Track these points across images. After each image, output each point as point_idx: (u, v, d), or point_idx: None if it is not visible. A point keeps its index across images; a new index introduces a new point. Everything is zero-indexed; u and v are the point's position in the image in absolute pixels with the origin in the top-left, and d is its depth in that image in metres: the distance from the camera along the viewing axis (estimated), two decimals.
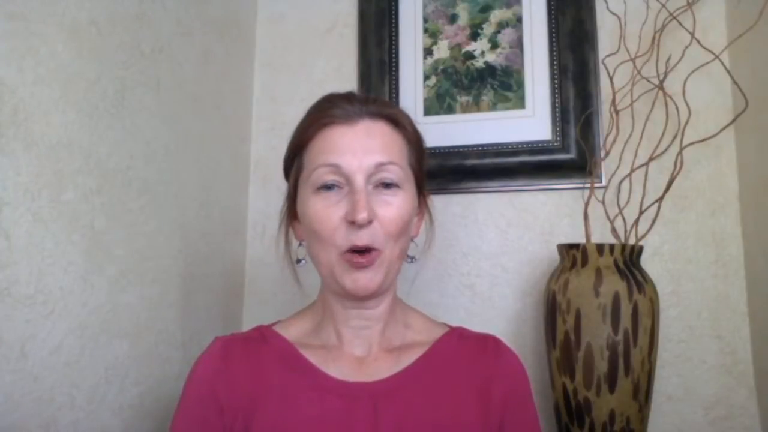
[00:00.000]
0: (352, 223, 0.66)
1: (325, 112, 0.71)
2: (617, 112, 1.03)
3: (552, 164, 1.11)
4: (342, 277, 0.69)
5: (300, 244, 0.77)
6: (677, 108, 1.01)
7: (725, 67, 1.00)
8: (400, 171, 0.70)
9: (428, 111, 1.20)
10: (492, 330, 0.85)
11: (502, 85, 1.17)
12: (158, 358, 0.94)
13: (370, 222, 0.67)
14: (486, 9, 1.21)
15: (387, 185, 0.69)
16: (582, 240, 1.04)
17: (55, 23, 0.74)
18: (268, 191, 1.26)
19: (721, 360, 1.02)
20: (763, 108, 0.96)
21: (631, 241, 0.99)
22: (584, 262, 0.91)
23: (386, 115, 0.72)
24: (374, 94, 1.20)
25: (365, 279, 0.68)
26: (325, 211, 0.68)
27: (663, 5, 1.04)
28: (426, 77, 1.21)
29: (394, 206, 0.69)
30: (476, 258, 1.15)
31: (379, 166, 0.69)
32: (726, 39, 1.07)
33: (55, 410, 0.73)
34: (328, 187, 0.69)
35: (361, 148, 0.69)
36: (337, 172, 0.68)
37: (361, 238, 0.67)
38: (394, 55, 1.23)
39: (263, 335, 0.76)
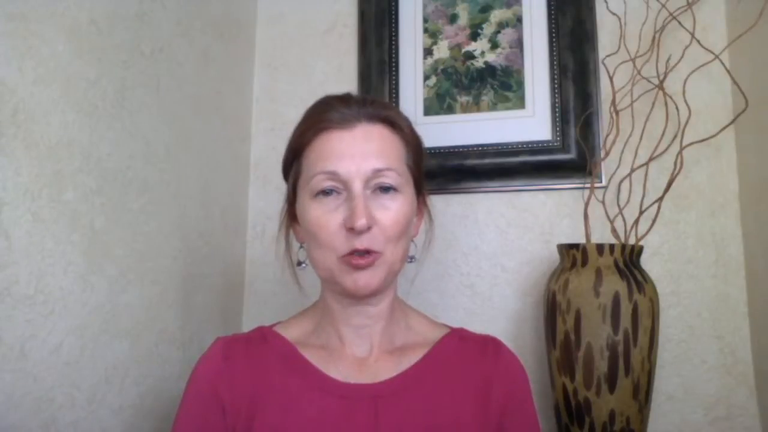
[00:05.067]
0: (351, 229, 0.66)
1: (322, 116, 0.71)
2: (617, 112, 1.03)
3: (552, 164, 1.11)
4: (342, 278, 0.69)
5: (301, 247, 0.77)
6: (677, 108, 1.01)
7: (725, 67, 1.00)
8: (397, 176, 0.70)
9: (428, 111, 1.20)
10: (492, 330, 0.85)
11: (502, 85, 1.17)
12: (158, 358, 0.94)
13: (369, 228, 0.67)
14: (486, 9, 1.21)
15: (385, 189, 0.69)
16: (582, 240, 1.04)
17: (55, 23, 0.74)
18: (268, 191, 1.26)
19: (721, 360, 1.02)
20: (763, 108, 0.96)
21: (631, 241, 0.99)
22: (584, 262, 0.91)
23: (384, 117, 0.72)
24: (374, 94, 1.20)
25: (365, 278, 0.68)
26: (324, 218, 0.68)
27: (663, 5, 1.04)
28: (426, 77, 1.21)
29: (393, 210, 0.69)
30: (476, 258, 1.15)
31: (377, 172, 0.68)
32: (726, 39, 1.07)
33: (55, 410, 0.73)
34: (326, 192, 0.69)
35: (359, 153, 0.68)
36: (335, 178, 0.68)
37: (362, 243, 0.67)
38: (394, 55, 1.23)
39: (264, 336, 0.76)
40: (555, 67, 1.14)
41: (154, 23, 0.94)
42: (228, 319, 1.17)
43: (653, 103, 1.03)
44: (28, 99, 0.70)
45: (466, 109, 1.18)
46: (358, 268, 0.67)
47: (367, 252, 0.67)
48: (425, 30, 1.23)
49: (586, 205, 0.99)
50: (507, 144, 1.14)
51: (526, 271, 1.12)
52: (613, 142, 1.03)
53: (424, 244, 0.80)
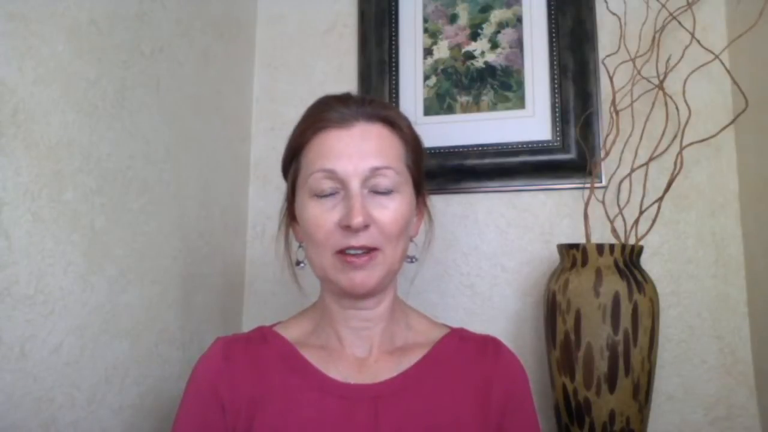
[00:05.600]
0: (348, 228, 0.66)
1: (321, 116, 0.71)
2: (617, 112, 1.03)
3: (552, 164, 1.11)
4: (337, 277, 0.69)
5: (300, 246, 0.77)
6: (677, 108, 1.01)
7: (725, 67, 1.00)
8: (395, 175, 0.70)
9: (428, 111, 1.20)
10: (492, 330, 0.85)
11: (502, 85, 1.17)
12: (158, 358, 0.94)
13: (366, 226, 0.67)
14: (486, 9, 1.21)
15: (383, 190, 0.69)
16: (582, 240, 1.04)
17: (55, 23, 0.74)
18: (268, 191, 1.26)
19: (721, 360, 1.02)
20: (763, 108, 0.96)
21: (631, 241, 0.99)
22: (584, 262, 0.91)
23: (382, 117, 0.72)
24: (374, 94, 1.20)
25: (362, 276, 0.68)
26: (321, 217, 0.68)
27: (663, 5, 1.04)
28: (426, 77, 1.21)
29: (391, 210, 0.69)
30: (476, 258, 1.15)
31: (375, 171, 0.68)
32: (726, 39, 1.07)
33: (55, 410, 0.73)
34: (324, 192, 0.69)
35: (356, 151, 0.68)
36: (332, 177, 0.68)
37: (358, 240, 0.67)
38: (394, 55, 1.23)
39: (264, 336, 0.76)
40: (555, 67, 1.14)
41: (154, 23, 0.94)
42: (228, 319, 1.17)
43: (653, 103, 1.03)
44: (28, 99, 0.70)
45: (466, 109, 1.18)
46: (355, 267, 0.67)
47: (364, 250, 0.67)
48: (425, 30, 1.23)
49: (586, 205, 0.99)
50: (507, 144, 1.14)
51: (526, 271, 1.12)
52: (613, 142, 1.03)
53: (424, 244, 0.80)
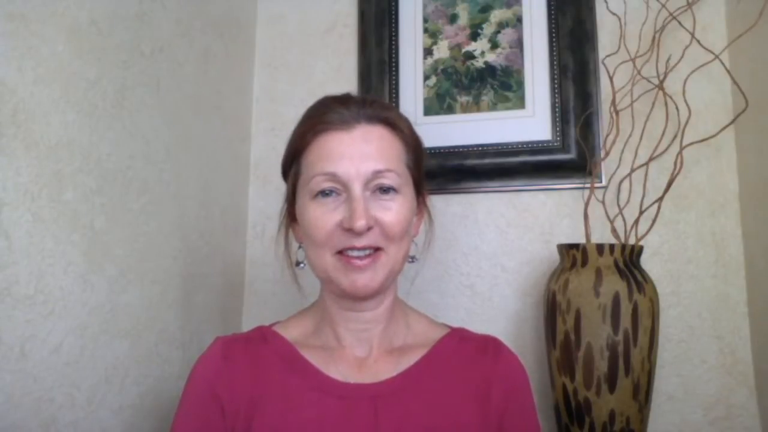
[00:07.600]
0: (350, 230, 0.66)
1: (321, 118, 0.71)
2: (617, 112, 1.03)
3: (552, 164, 1.11)
4: (339, 279, 0.69)
5: (300, 247, 0.77)
6: (677, 108, 1.01)
7: (725, 67, 1.00)
8: (397, 177, 0.70)
9: (428, 111, 1.20)
10: (492, 330, 0.85)
11: (502, 85, 1.17)
12: (158, 358, 0.94)
13: (369, 228, 0.67)
14: (486, 9, 1.21)
15: (385, 190, 0.69)
16: (582, 240, 1.04)
17: (55, 23, 0.74)
18: (268, 191, 1.26)
19: (721, 360, 1.02)
20: (763, 108, 0.96)
21: (631, 241, 0.99)
22: (584, 262, 0.91)
23: (383, 118, 0.72)
24: (374, 94, 1.20)
25: (365, 279, 0.68)
26: (322, 218, 0.68)
27: (663, 5, 1.04)
28: (426, 77, 1.21)
29: (393, 211, 0.69)
30: (476, 258, 1.15)
31: (377, 174, 0.68)
32: (726, 39, 1.07)
33: (55, 410, 0.73)
34: (325, 193, 0.69)
35: (358, 154, 0.68)
36: (334, 179, 0.68)
37: (360, 241, 0.67)
38: (394, 55, 1.23)
39: (264, 336, 0.76)
40: (555, 67, 1.14)
41: (154, 23, 0.94)
42: (228, 319, 1.17)
43: (653, 103, 1.03)
44: (28, 99, 0.70)
45: (466, 109, 1.18)
46: (358, 269, 0.67)
47: (368, 251, 0.67)
48: (425, 30, 1.23)
49: (586, 205, 0.99)
50: (507, 144, 1.14)
51: (526, 271, 1.12)
52: (613, 142, 1.03)
53: (424, 244, 0.80)
